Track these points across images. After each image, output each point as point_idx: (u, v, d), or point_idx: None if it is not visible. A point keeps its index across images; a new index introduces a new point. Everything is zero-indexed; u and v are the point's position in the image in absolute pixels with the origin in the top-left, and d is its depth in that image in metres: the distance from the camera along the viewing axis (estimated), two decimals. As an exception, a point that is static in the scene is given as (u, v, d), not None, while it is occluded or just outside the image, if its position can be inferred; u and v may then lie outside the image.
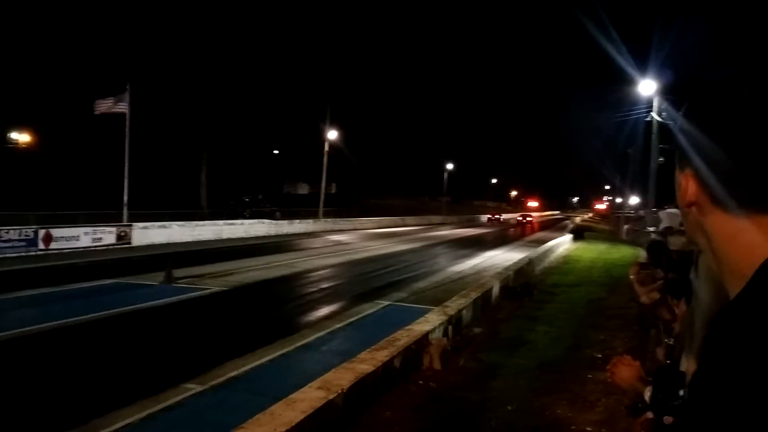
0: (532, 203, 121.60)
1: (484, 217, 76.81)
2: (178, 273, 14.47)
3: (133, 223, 24.26)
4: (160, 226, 25.76)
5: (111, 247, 22.19)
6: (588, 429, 5.41)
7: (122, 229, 23.49)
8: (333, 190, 66.03)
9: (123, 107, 24.00)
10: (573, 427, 5.45)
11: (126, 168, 24.40)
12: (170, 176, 40.52)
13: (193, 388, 6.74)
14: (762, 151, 0.66)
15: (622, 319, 10.06)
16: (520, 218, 70.05)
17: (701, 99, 0.74)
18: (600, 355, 7.89)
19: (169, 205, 30.19)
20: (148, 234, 24.61)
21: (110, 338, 9.07)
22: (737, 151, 0.67)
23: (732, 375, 0.61)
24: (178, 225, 26.91)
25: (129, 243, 23.36)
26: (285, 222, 36.44)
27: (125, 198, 24.59)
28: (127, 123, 24.22)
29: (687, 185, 0.75)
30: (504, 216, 79.08)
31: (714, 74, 0.75)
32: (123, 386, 6.70)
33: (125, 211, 24.66)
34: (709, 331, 0.66)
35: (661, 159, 26.74)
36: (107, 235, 22.50)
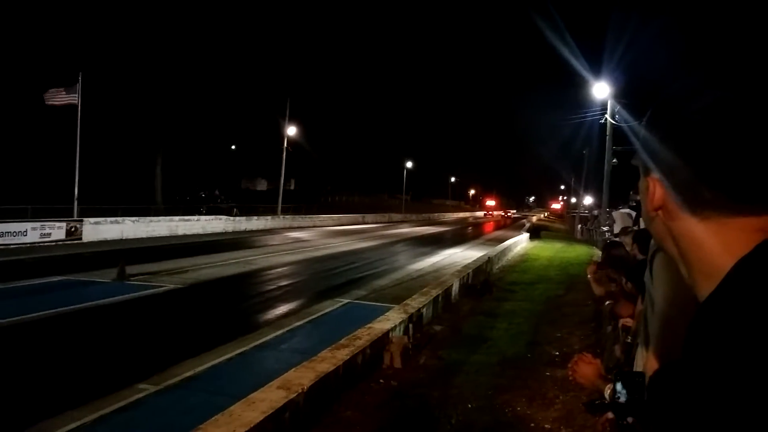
0: (490, 202, 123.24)
1: (449, 216, 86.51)
2: (131, 270, 14.07)
3: (84, 218, 23.55)
4: (112, 222, 25.09)
5: (60, 242, 21.47)
6: (546, 426, 5.47)
7: (72, 224, 22.75)
8: (292, 187, 65.55)
9: (74, 98, 23.28)
10: (532, 425, 5.50)
11: (77, 161, 23.67)
12: (124, 170, 39.52)
13: (148, 388, 6.54)
14: (724, 157, 0.67)
15: (579, 317, 10.25)
16: (503, 213, 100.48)
17: (662, 107, 0.75)
18: (558, 353, 8.02)
19: (123, 200, 29.41)
20: (100, 229, 23.93)
21: (60, 337, 8.73)
22: (701, 158, 0.68)
23: (708, 375, 0.60)
24: (131, 220, 26.23)
25: (80, 239, 22.64)
26: (243, 218, 35.95)
27: (76, 192, 23.86)
28: (79, 115, 23.52)
29: (654, 189, 0.75)
30: (495, 212, 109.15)
31: (674, 83, 0.75)
32: (74, 387, 6.45)
33: (76, 205, 23.94)
34: (687, 334, 0.67)
35: (614, 160, 27.40)
36: (56, 231, 21.76)
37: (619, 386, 1.47)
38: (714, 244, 0.69)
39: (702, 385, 0.61)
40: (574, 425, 5.39)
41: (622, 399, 1.46)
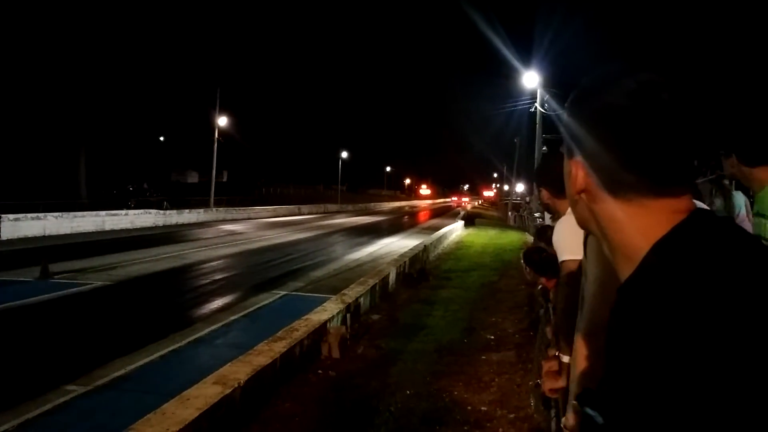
0: (425, 191, 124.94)
1: (385, 205, 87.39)
2: (55, 267, 13.43)
3: (2, 215, 22.25)
4: (33, 218, 23.80)
5: (-24, 241, 20.27)
6: (483, 409, 5.59)
7: (-11, 221, 21.50)
8: (225, 179, 64.17)
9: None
10: (469, 408, 5.61)
11: (-8, 154, 22.38)
12: (45, 164, 37.51)
13: (76, 389, 6.27)
14: (648, 141, 0.69)
15: (512, 302, 10.52)
16: (460, 200, 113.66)
17: (585, 92, 0.76)
18: (492, 337, 8.21)
19: (44, 196, 27.96)
20: (20, 226, 22.71)
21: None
22: (625, 142, 0.70)
23: (629, 358, 0.62)
24: (54, 216, 24.95)
25: (-3, 236, 21.44)
26: (174, 212, 34.89)
27: (-8, 187, 22.56)
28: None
29: (576, 172, 0.77)
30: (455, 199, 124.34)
31: (596, 69, 0.77)
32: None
33: (-8, 201, 22.65)
34: (610, 317, 0.68)
35: (544, 148, 28.22)
36: (-29, 229, 20.52)
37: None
38: (634, 226, 0.70)
39: (622, 375, 0.62)
40: (509, 407, 5.54)
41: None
